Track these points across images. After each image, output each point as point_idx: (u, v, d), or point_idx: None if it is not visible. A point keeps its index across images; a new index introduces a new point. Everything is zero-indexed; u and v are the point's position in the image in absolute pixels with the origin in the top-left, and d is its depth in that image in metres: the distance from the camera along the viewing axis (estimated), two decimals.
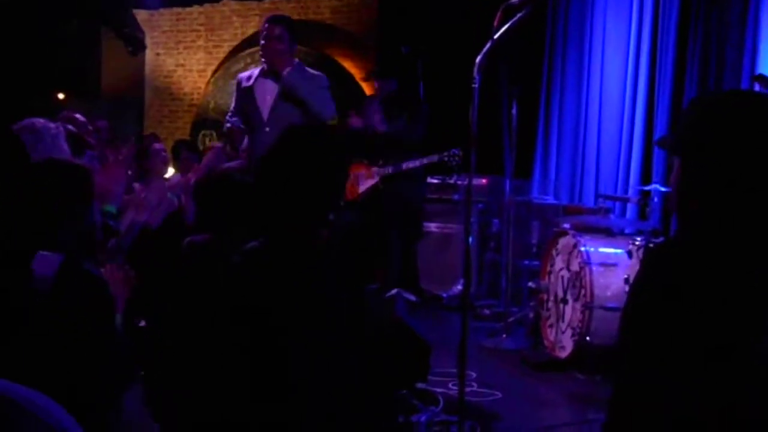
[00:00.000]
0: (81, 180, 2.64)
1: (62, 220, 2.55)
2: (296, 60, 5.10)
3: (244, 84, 5.09)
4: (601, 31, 6.88)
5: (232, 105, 5.20)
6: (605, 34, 6.86)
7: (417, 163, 5.86)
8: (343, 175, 2.48)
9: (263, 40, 4.99)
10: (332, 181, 2.38)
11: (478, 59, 3.91)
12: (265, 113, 4.96)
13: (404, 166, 5.86)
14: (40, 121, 3.70)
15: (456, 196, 6.79)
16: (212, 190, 3.43)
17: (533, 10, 3.92)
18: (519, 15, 3.86)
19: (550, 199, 6.68)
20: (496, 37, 3.85)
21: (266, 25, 4.99)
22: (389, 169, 5.91)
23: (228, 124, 5.14)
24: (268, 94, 4.97)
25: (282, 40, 4.93)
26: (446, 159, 5.81)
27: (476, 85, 3.95)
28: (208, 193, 3.47)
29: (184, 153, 6.91)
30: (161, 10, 9.98)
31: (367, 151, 5.94)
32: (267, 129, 4.88)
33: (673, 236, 1.73)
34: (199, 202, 4.01)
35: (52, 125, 3.77)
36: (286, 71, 4.95)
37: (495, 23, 3.89)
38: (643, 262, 1.90)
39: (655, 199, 5.67)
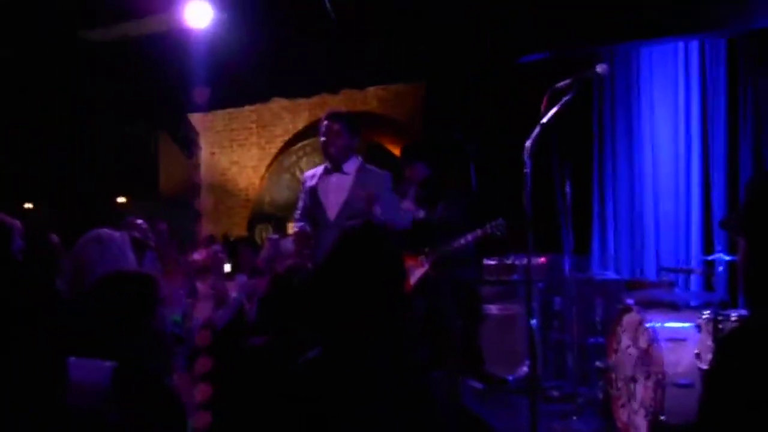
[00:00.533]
0: (148, 289, 2.70)
1: (133, 329, 2.61)
2: (359, 158, 5.06)
3: (309, 183, 5.07)
4: (649, 100, 6.87)
5: (299, 206, 5.18)
6: (653, 103, 6.85)
7: (463, 240, 5.83)
8: (400, 277, 2.47)
9: (323, 137, 4.96)
10: (389, 284, 2.37)
11: (527, 144, 3.94)
12: (330, 212, 4.92)
13: (452, 245, 5.83)
14: (105, 232, 3.81)
15: (515, 277, 6.73)
16: (274, 293, 3.45)
17: (579, 91, 3.96)
18: (565, 98, 3.90)
19: (611, 275, 6.57)
20: (544, 121, 3.89)
21: (325, 122, 4.96)
22: (437, 254, 5.88)
23: (296, 228, 5.13)
24: (331, 192, 4.96)
25: (342, 135, 4.90)
26: (490, 231, 5.78)
27: (528, 170, 3.98)
28: (269, 296, 3.50)
29: (243, 250, 7.01)
30: (214, 112, 10.27)
31: (409, 241, 5.86)
32: (334, 228, 4.81)
33: (746, 320, 1.67)
34: (260, 304, 4.04)
35: (116, 234, 3.88)
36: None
37: (542, 107, 3.94)
38: (718, 350, 1.85)
39: (720, 269, 5.53)
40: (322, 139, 4.97)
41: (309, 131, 10.13)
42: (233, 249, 7.04)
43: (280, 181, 10.23)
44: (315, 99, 9.90)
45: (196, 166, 10.67)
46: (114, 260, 3.90)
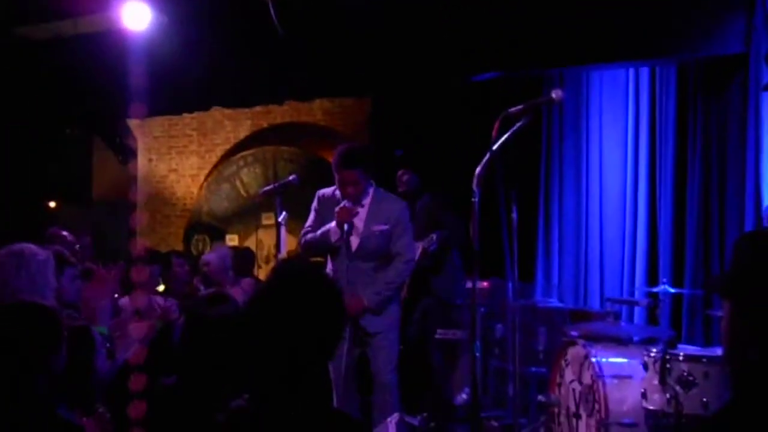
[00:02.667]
0: (49, 325, 2.45)
1: (31, 366, 2.37)
2: (371, 185, 4.74)
3: (327, 205, 4.77)
4: (598, 129, 6.76)
5: (310, 220, 4.89)
6: (602, 132, 6.74)
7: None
8: (337, 319, 2.19)
9: (338, 183, 4.67)
10: (325, 327, 2.10)
11: (477, 171, 3.74)
12: (352, 244, 4.69)
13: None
14: (28, 248, 3.64)
15: (458, 300, 6.51)
16: (187, 324, 3.14)
17: (533, 117, 3.77)
18: (518, 124, 3.70)
19: (554, 303, 6.41)
20: (495, 147, 3.68)
21: (341, 170, 4.62)
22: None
23: (303, 240, 4.86)
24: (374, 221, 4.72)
25: (359, 182, 4.62)
26: (426, 245, 5.64)
27: (476, 199, 3.78)
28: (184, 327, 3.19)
29: (176, 262, 6.66)
30: (153, 118, 9.89)
31: None
32: (352, 257, 4.66)
33: (730, 402, 1.49)
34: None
35: (41, 254, 3.67)
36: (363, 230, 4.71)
37: (493, 132, 3.73)
38: None
39: (665, 301, 5.45)
40: (337, 184, 4.68)
41: (251, 141, 9.84)
42: (166, 262, 6.67)
43: (219, 191, 9.89)
44: (258, 108, 9.61)
45: (132, 172, 10.27)
46: (30, 279, 3.64)
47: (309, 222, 4.90)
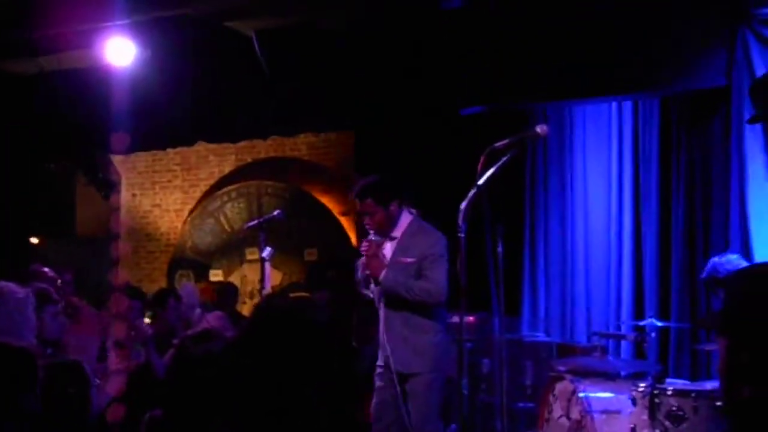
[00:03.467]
0: (21, 365, 2.41)
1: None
2: (410, 215, 4.70)
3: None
4: (582, 163, 6.76)
5: None
6: (586, 166, 6.74)
7: None
8: (324, 357, 2.15)
9: (360, 216, 4.80)
10: (310, 366, 2.05)
11: (462, 206, 3.72)
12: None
13: None
14: (8, 287, 3.61)
15: None
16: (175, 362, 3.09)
17: (518, 152, 3.77)
18: (504, 159, 3.69)
19: (541, 337, 6.38)
20: (480, 182, 3.67)
21: (356, 201, 4.70)
22: None
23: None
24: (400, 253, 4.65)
25: (375, 210, 4.60)
26: None
27: (462, 234, 3.76)
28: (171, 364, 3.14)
29: (172, 301, 6.55)
30: (137, 153, 9.83)
31: None
32: (380, 298, 4.60)
33: None
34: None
35: (20, 292, 3.66)
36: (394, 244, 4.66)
37: (479, 167, 3.72)
38: None
39: (652, 335, 5.43)
40: (361, 217, 4.75)
41: (235, 175, 9.80)
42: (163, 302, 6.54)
43: (203, 226, 9.81)
44: (243, 143, 9.57)
45: (115, 208, 10.19)
46: (9, 318, 3.59)
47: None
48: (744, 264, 4.72)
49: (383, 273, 4.53)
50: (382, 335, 4.58)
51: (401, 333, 4.56)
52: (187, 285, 7.34)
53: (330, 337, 2.16)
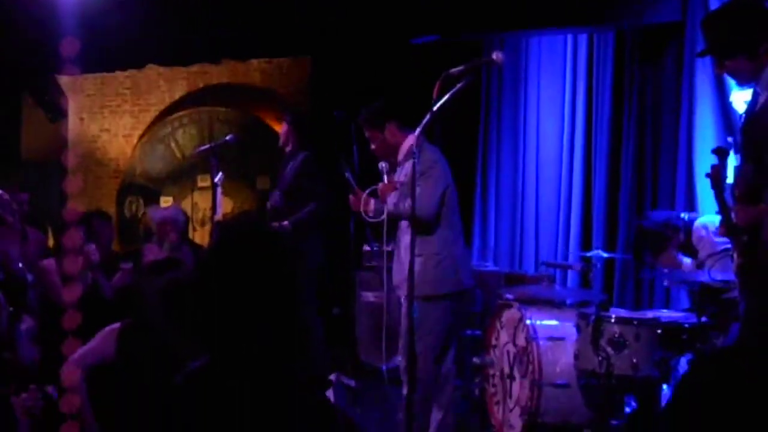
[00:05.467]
0: None
1: None
2: (409, 138, 4.43)
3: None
4: (536, 94, 6.78)
5: None
6: (539, 98, 6.77)
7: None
8: (289, 275, 2.12)
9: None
10: (277, 284, 2.03)
11: (417, 131, 3.72)
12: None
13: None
14: None
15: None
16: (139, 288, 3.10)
17: (473, 79, 3.75)
18: (459, 86, 3.68)
19: (490, 266, 6.46)
20: (435, 108, 3.66)
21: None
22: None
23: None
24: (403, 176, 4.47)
25: (373, 137, 4.54)
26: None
27: (417, 159, 3.77)
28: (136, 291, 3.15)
29: (97, 223, 6.43)
30: (85, 75, 9.57)
31: None
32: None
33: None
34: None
35: None
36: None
37: (434, 93, 3.70)
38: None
39: (598, 266, 5.53)
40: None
41: (187, 101, 9.61)
42: (88, 224, 6.42)
43: (153, 152, 9.66)
44: (195, 68, 9.37)
45: (63, 137, 9.95)
46: None
47: None
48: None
49: (390, 196, 4.40)
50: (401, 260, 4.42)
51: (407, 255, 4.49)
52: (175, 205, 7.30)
53: (291, 256, 2.14)
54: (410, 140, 4.37)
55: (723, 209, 3.36)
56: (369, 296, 6.57)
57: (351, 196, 4.63)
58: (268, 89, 9.18)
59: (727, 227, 3.40)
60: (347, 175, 4.85)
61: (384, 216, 4.40)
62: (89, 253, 5.48)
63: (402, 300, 4.39)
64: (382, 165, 4.54)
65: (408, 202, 4.14)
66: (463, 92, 3.67)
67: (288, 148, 6.01)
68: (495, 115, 6.88)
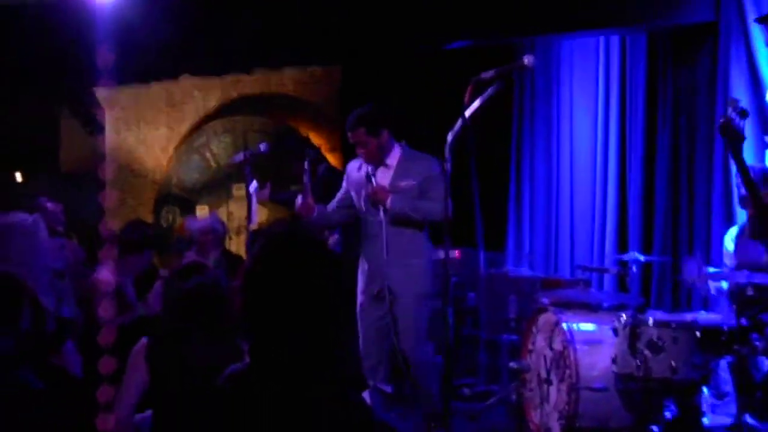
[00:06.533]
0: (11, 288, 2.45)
1: None
2: (401, 145, 4.88)
3: (354, 175, 4.93)
4: (569, 97, 6.76)
5: (337, 195, 5.07)
6: (572, 100, 6.75)
7: None
8: (330, 283, 2.13)
9: (355, 147, 4.85)
10: (317, 291, 2.05)
11: (449, 138, 3.72)
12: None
13: None
14: (17, 215, 3.66)
15: None
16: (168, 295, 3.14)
17: (504, 83, 3.75)
18: (490, 90, 3.68)
19: (525, 271, 6.45)
20: (467, 114, 3.66)
21: (348, 134, 4.81)
22: None
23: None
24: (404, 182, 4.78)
25: (368, 140, 4.75)
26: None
27: (449, 164, 3.77)
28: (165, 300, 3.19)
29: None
30: (121, 87, 9.71)
31: None
32: (382, 224, 4.72)
33: None
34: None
35: (28, 218, 3.64)
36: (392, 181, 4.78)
37: (465, 98, 3.71)
38: None
39: (634, 269, 5.49)
40: (355, 148, 4.84)
41: (221, 111, 9.71)
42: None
43: (188, 162, 9.78)
44: (228, 77, 9.47)
45: (101, 151, 10.10)
46: (18, 246, 3.56)
47: (336, 197, 5.06)
48: None
49: (389, 199, 4.66)
50: (380, 261, 4.70)
51: (402, 256, 4.69)
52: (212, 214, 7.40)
53: (334, 267, 2.16)
54: (398, 147, 4.82)
55: (739, 164, 3.37)
56: None
57: (303, 201, 4.86)
58: (301, 99, 9.25)
59: (745, 181, 3.40)
60: (305, 177, 5.02)
61: (383, 216, 4.69)
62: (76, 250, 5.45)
63: (388, 297, 4.70)
64: (369, 168, 4.79)
65: (427, 203, 4.65)
66: (495, 97, 3.67)
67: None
68: (528, 119, 6.87)
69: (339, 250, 5.98)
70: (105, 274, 4.72)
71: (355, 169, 4.96)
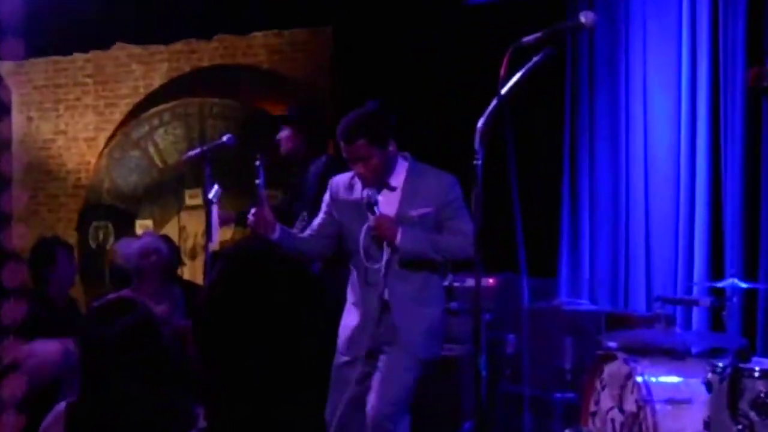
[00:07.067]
0: None
1: None
2: (405, 160, 4.80)
3: (343, 196, 4.85)
4: (641, 70, 6.78)
5: (317, 221, 5.02)
6: (646, 73, 6.76)
7: None
8: (297, 312, 2.17)
9: (348, 162, 4.77)
10: (281, 322, 2.09)
11: (480, 124, 3.74)
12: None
13: None
14: None
15: (453, 305, 6.55)
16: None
17: (554, 50, 3.77)
18: (535, 60, 3.71)
19: (585, 305, 6.50)
20: (504, 92, 3.69)
21: (342, 145, 4.74)
22: None
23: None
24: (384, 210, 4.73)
25: (371, 155, 4.65)
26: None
27: (479, 161, 3.80)
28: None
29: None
30: (32, 60, 9.80)
31: None
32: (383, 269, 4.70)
33: None
34: None
35: None
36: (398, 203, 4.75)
37: (502, 72, 3.74)
38: None
39: (733, 300, 5.51)
40: (350, 164, 4.77)
41: (168, 91, 9.79)
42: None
43: (125, 161, 9.86)
44: (178, 45, 9.56)
45: (5, 134, 10.17)
46: None
47: (317, 221, 5.01)
48: None
49: (399, 234, 4.59)
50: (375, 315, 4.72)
51: (413, 307, 4.71)
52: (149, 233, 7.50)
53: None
54: (403, 162, 4.78)
55: None
56: None
57: (256, 212, 4.78)
58: (276, 71, 9.32)
59: None
60: (259, 183, 5.05)
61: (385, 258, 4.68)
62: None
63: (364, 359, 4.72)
64: (370, 192, 4.69)
65: (449, 238, 4.67)
66: (541, 69, 3.70)
67: (293, 152, 6.18)
68: (586, 101, 6.92)
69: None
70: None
71: (344, 187, 4.87)
